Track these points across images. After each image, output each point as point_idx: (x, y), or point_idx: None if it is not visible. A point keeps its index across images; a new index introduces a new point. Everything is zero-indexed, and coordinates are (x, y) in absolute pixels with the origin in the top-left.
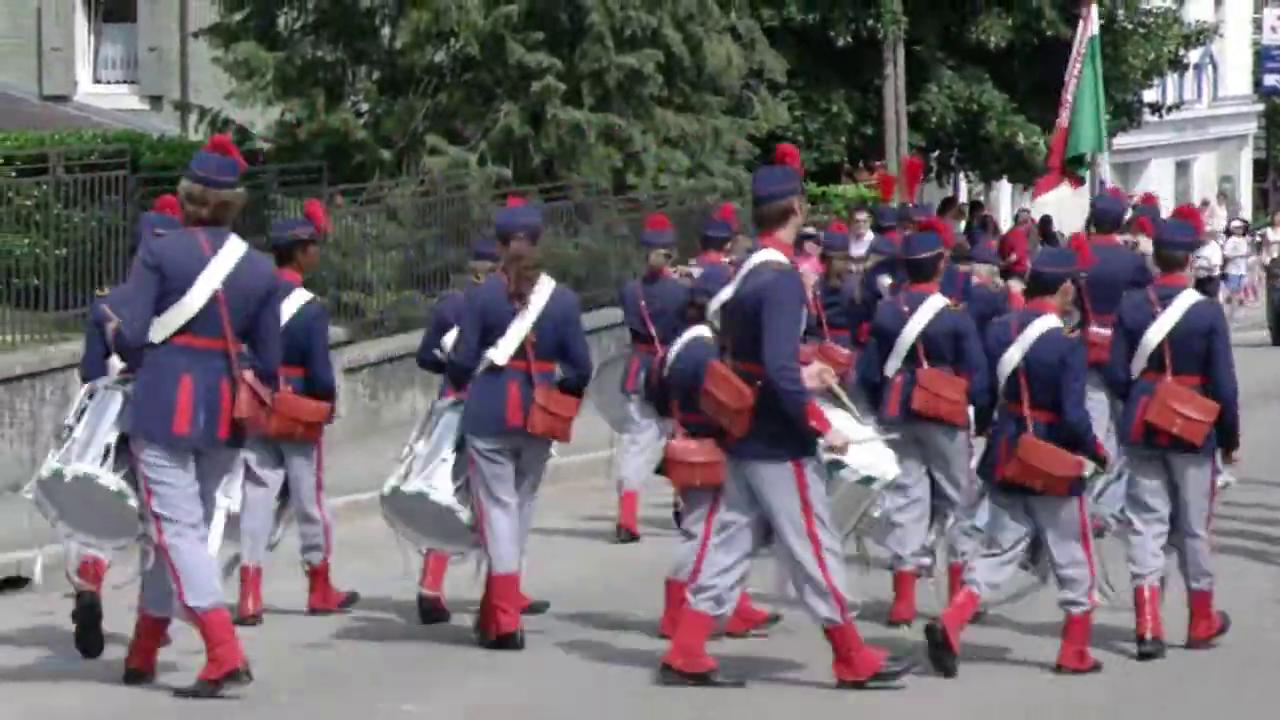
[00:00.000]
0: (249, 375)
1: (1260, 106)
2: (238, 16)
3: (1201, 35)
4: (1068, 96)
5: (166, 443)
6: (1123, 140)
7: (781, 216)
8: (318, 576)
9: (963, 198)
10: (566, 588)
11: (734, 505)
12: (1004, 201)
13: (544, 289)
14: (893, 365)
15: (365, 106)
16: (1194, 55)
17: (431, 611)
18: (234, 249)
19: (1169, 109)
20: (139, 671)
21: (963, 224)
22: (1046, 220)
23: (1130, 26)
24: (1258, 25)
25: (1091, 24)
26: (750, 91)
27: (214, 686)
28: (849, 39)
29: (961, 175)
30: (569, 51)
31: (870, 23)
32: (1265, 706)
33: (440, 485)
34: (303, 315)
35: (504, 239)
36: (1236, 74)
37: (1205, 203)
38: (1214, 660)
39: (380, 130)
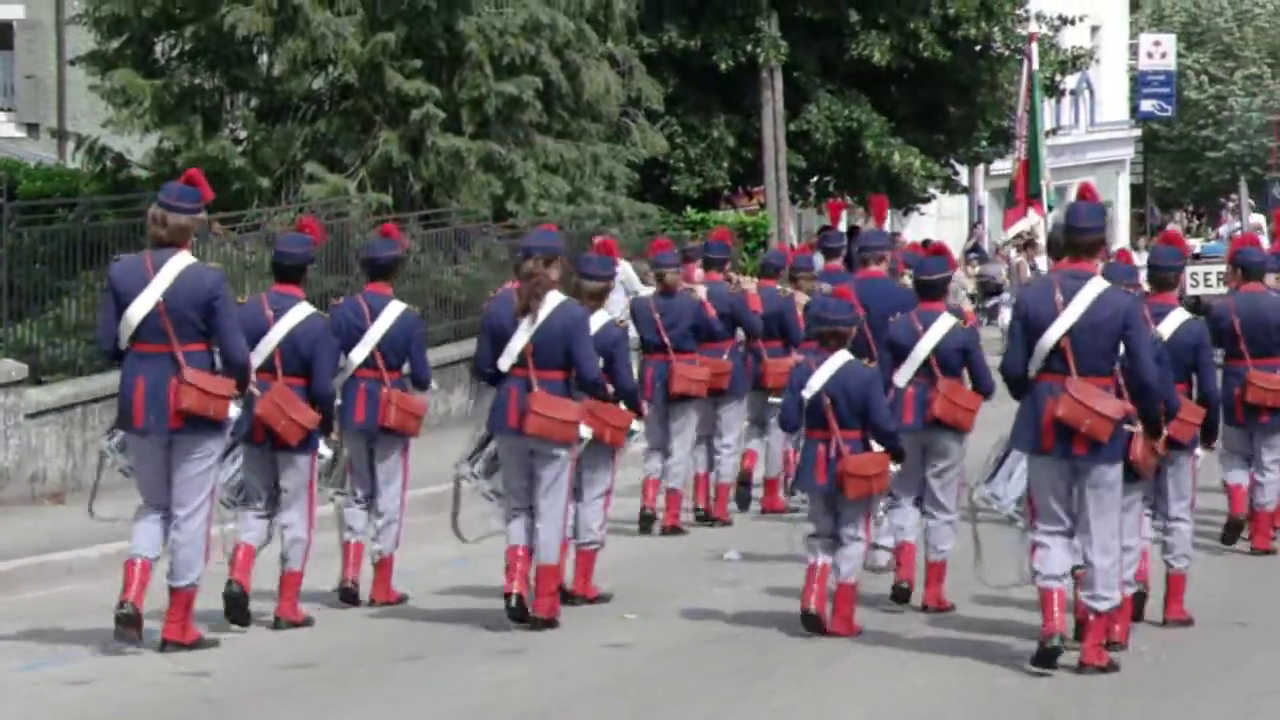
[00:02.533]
0: (193, 373)
1: (1137, 132)
2: (115, 44)
3: (1078, 61)
4: (1023, 131)
5: (131, 434)
6: (1000, 166)
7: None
8: (381, 569)
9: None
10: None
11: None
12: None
13: (549, 304)
14: (905, 376)
15: (243, 134)
16: (1071, 81)
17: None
18: (175, 265)
19: (1047, 134)
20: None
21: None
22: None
23: (1007, 53)
24: (1134, 51)
25: (1033, 60)
26: (629, 119)
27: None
28: (729, 64)
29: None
30: (447, 79)
31: (750, 48)
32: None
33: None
34: (402, 323)
35: (524, 257)
36: (1113, 100)
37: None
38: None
39: (258, 158)
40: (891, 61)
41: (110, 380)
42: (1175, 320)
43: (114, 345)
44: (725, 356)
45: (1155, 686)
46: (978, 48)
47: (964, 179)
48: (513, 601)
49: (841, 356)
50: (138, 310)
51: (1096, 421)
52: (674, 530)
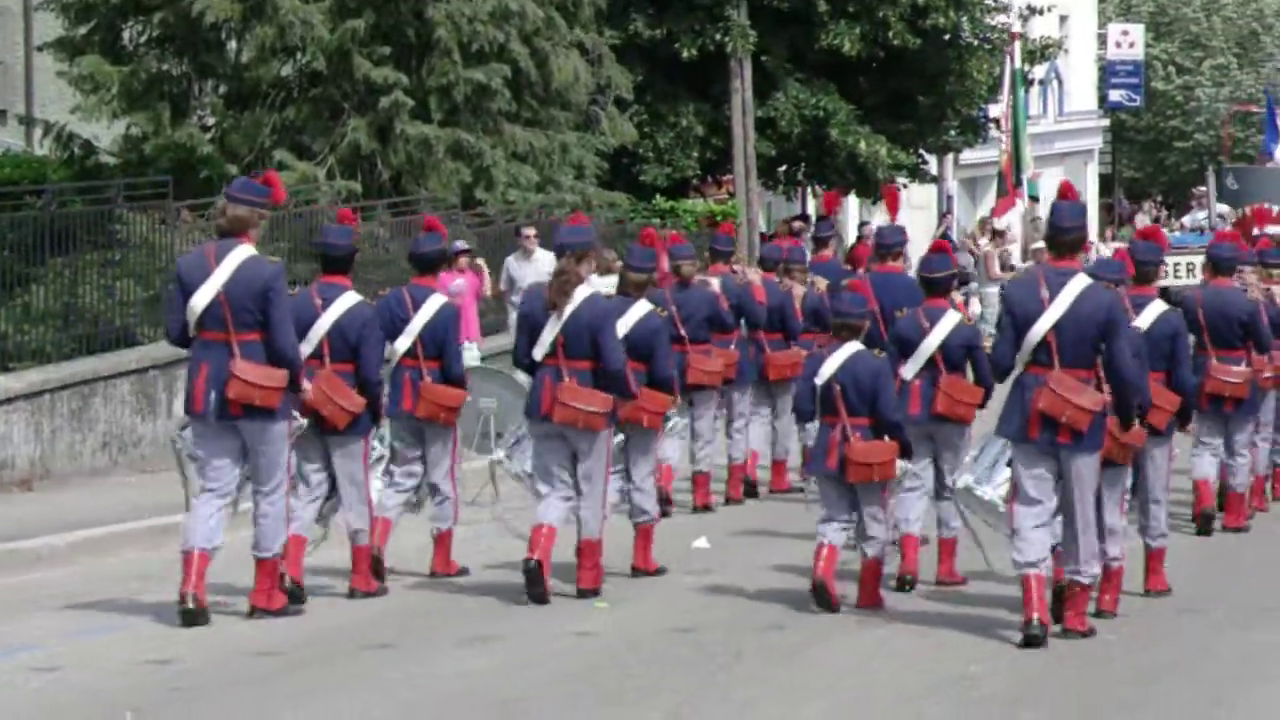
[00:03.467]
0: (240, 364)
1: (1105, 122)
2: (83, 30)
3: (1046, 51)
4: (1006, 125)
5: (194, 418)
6: (969, 156)
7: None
8: (441, 544)
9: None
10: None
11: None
12: (850, 214)
13: (578, 298)
14: (911, 370)
15: (211, 121)
16: (1039, 71)
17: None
18: (236, 256)
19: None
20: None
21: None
22: (796, 239)
23: (975, 42)
24: (1102, 41)
25: (1016, 57)
26: (598, 107)
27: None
28: (691, 53)
29: (809, 190)
30: (416, 66)
31: (719, 37)
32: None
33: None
34: (441, 316)
35: (558, 253)
36: (1082, 90)
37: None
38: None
39: (226, 145)
40: (861, 51)
41: (78, 368)
42: (1154, 312)
43: (181, 334)
44: (732, 347)
45: (1123, 674)
46: (946, 37)
47: (933, 168)
48: (531, 564)
49: (852, 346)
50: (200, 299)
51: (1075, 413)
52: (706, 509)
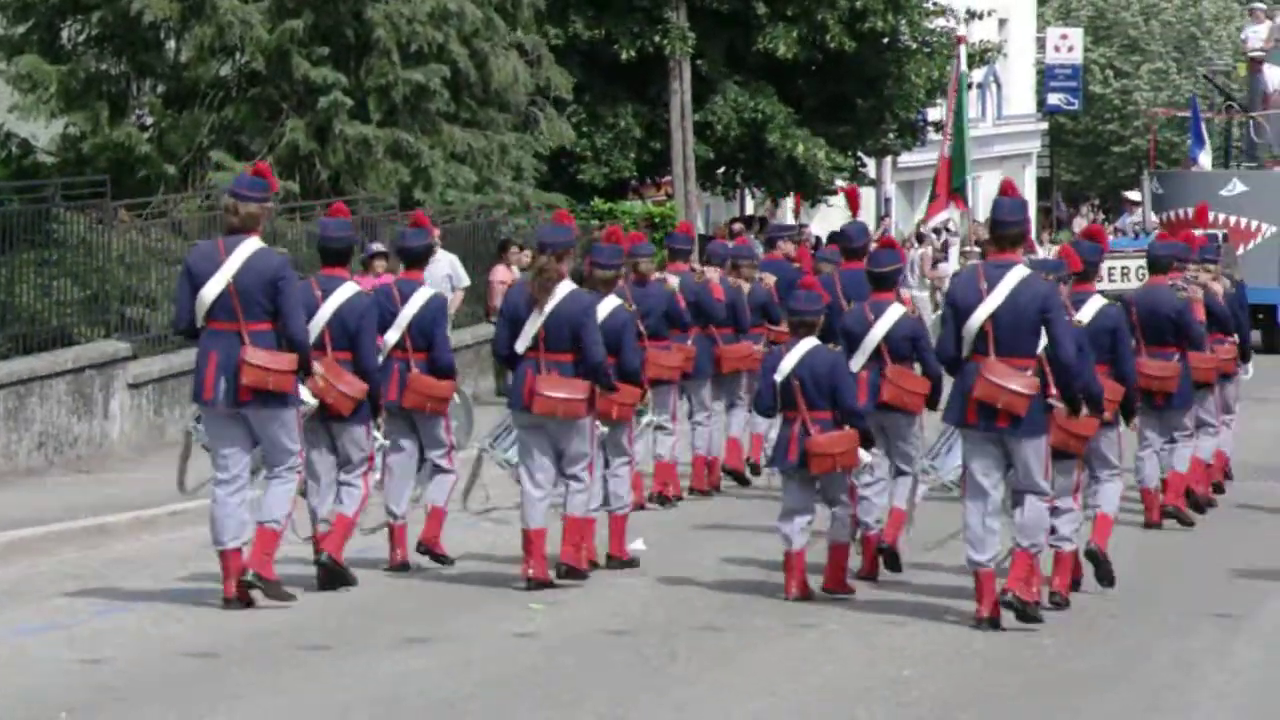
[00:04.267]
0: (250, 351)
1: (1044, 125)
2: (20, 29)
3: (985, 55)
4: (949, 130)
5: (203, 407)
6: (907, 159)
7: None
8: (434, 517)
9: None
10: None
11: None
12: (789, 218)
13: (559, 293)
14: (858, 362)
15: (150, 120)
16: (978, 74)
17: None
18: (246, 249)
19: None
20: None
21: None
22: (744, 238)
23: (914, 45)
24: (1041, 45)
25: (961, 62)
26: (537, 108)
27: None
28: (629, 54)
29: (748, 191)
30: (355, 66)
31: (657, 39)
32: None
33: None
34: (428, 308)
35: (540, 251)
36: (1020, 93)
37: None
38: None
39: (165, 145)
40: (798, 54)
41: (14, 367)
42: (1093, 307)
43: (190, 324)
44: (690, 342)
45: (1058, 679)
46: (885, 40)
47: (871, 171)
48: (529, 584)
49: (809, 342)
50: (210, 290)
51: (1010, 398)
52: (672, 500)
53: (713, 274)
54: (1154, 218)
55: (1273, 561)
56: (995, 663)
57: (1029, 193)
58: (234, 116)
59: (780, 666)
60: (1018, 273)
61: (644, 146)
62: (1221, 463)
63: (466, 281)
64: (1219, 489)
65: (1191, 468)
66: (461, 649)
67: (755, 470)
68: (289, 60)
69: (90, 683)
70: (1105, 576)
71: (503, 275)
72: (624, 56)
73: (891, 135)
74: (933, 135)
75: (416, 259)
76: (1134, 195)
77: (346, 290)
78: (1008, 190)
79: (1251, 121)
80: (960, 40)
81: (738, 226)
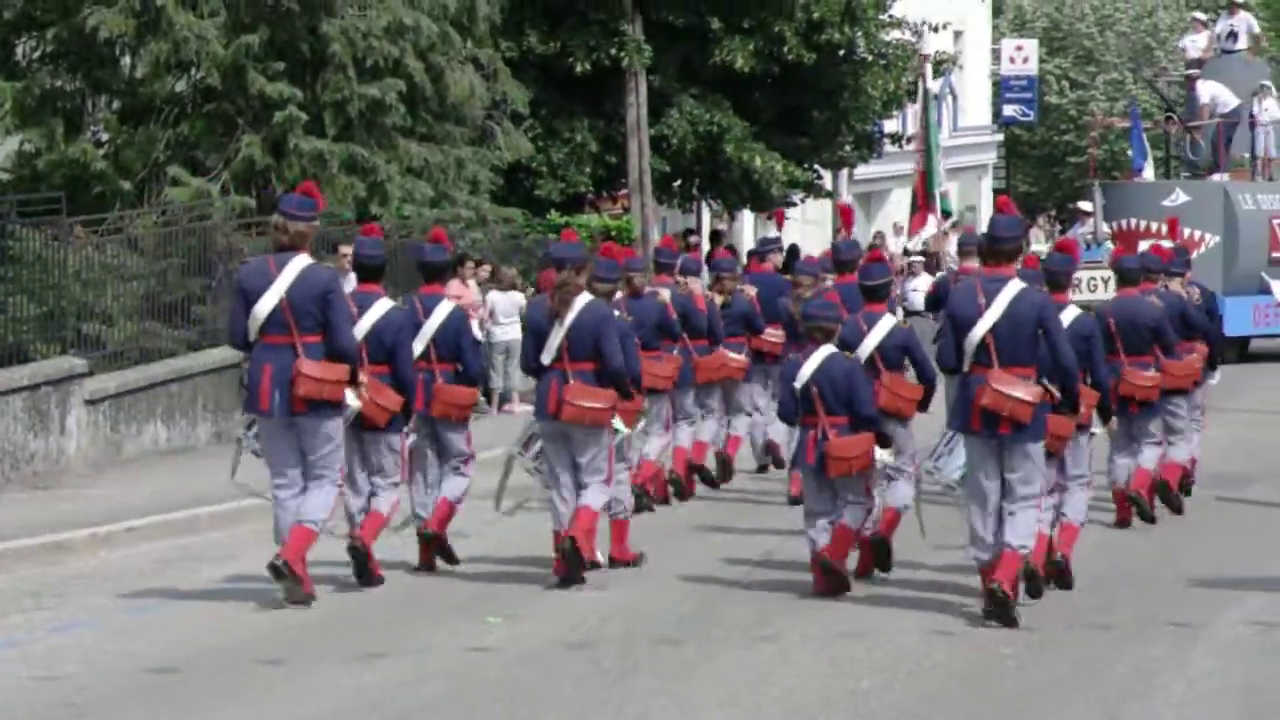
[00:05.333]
0: (305, 363)
1: (999, 137)
2: None
3: (941, 66)
4: (920, 145)
5: (259, 417)
6: (864, 170)
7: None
8: (442, 509)
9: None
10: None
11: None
12: (747, 230)
13: (579, 304)
14: None
15: (105, 136)
16: (934, 86)
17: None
18: (296, 265)
19: (909, 139)
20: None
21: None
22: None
23: (870, 57)
24: (996, 56)
25: (928, 78)
26: (493, 122)
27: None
28: (584, 67)
29: (705, 204)
30: (311, 81)
31: (613, 52)
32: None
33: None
34: (453, 320)
35: (557, 267)
36: (976, 105)
37: (945, 232)
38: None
39: (120, 160)
40: (755, 66)
41: None
42: (1068, 316)
43: (244, 338)
44: (675, 352)
45: (1017, 688)
46: (841, 52)
47: (827, 184)
48: (562, 583)
49: (826, 349)
50: (264, 305)
51: (1016, 406)
52: (663, 501)
53: (696, 285)
54: (1105, 228)
55: (1230, 570)
56: (955, 674)
57: (984, 204)
58: (189, 132)
59: (740, 678)
60: (1014, 286)
61: (600, 160)
62: (1190, 466)
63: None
64: (1187, 492)
65: (1167, 470)
66: (419, 663)
67: (707, 477)
68: (244, 75)
69: (48, 700)
70: (1067, 585)
71: (457, 290)
72: (579, 69)
73: (848, 147)
74: (889, 147)
75: (436, 274)
76: (1086, 206)
77: (383, 306)
78: (1003, 208)
79: (1188, 132)
80: (925, 58)
81: (694, 239)
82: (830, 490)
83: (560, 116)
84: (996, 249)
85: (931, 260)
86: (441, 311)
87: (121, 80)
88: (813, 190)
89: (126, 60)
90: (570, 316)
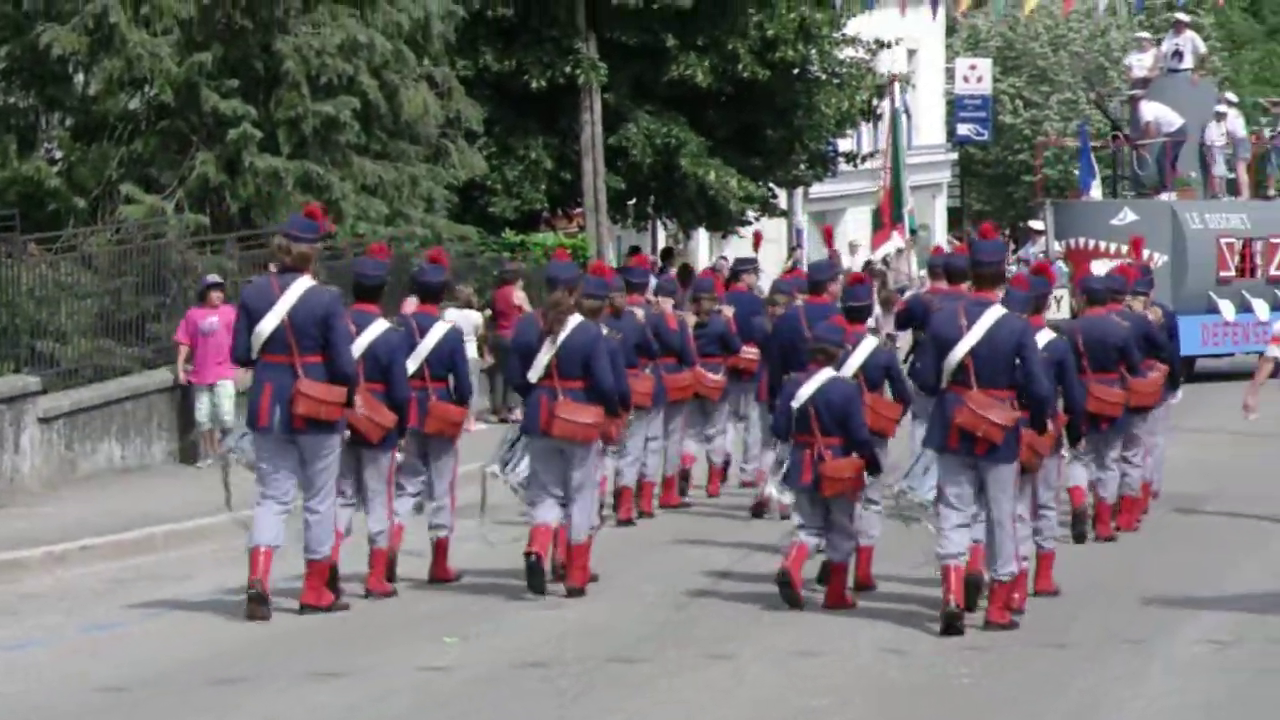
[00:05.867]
0: (305, 383)
1: (954, 155)
2: None
3: (897, 84)
4: (887, 163)
5: (258, 433)
6: (819, 189)
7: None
8: (440, 551)
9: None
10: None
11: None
12: (702, 248)
13: (570, 324)
14: None
15: (59, 154)
16: (888, 105)
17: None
18: (299, 287)
19: (863, 158)
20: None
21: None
22: (707, 271)
23: (824, 76)
24: (950, 75)
25: (896, 97)
26: (448, 140)
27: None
28: (540, 84)
29: (660, 222)
30: (265, 99)
31: (568, 70)
32: None
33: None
34: (447, 339)
35: (551, 286)
36: (930, 124)
37: (899, 250)
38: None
39: (74, 178)
40: (710, 84)
41: None
42: (1043, 339)
43: (246, 356)
44: (647, 371)
45: (971, 707)
46: (795, 70)
47: (782, 202)
48: (531, 558)
49: (827, 372)
50: (267, 325)
51: (990, 428)
52: (627, 523)
53: (666, 305)
54: (1057, 247)
55: (1187, 588)
56: (910, 691)
57: (939, 223)
58: (143, 149)
59: (696, 698)
60: (995, 311)
61: (555, 178)
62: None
63: None
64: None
65: (1122, 503)
66: (373, 683)
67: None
68: (198, 93)
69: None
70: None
71: (411, 308)
72: (534, 86)
73: (802, 166)
74: (844, 166)
75: (433, 294)
76: (1037, 224)
77: (379, 326)
78: (986, 233)
79: (1134, 151)
80: (894, 79)
81: (652, 258)
82: (823, 508)
83: (515, 133)
84: (980, 273)
85: (877, 276)
86: (437, 332)
87: (75, 97)
88: (768, 208)
89: (80, 78)
90: (562, 335)
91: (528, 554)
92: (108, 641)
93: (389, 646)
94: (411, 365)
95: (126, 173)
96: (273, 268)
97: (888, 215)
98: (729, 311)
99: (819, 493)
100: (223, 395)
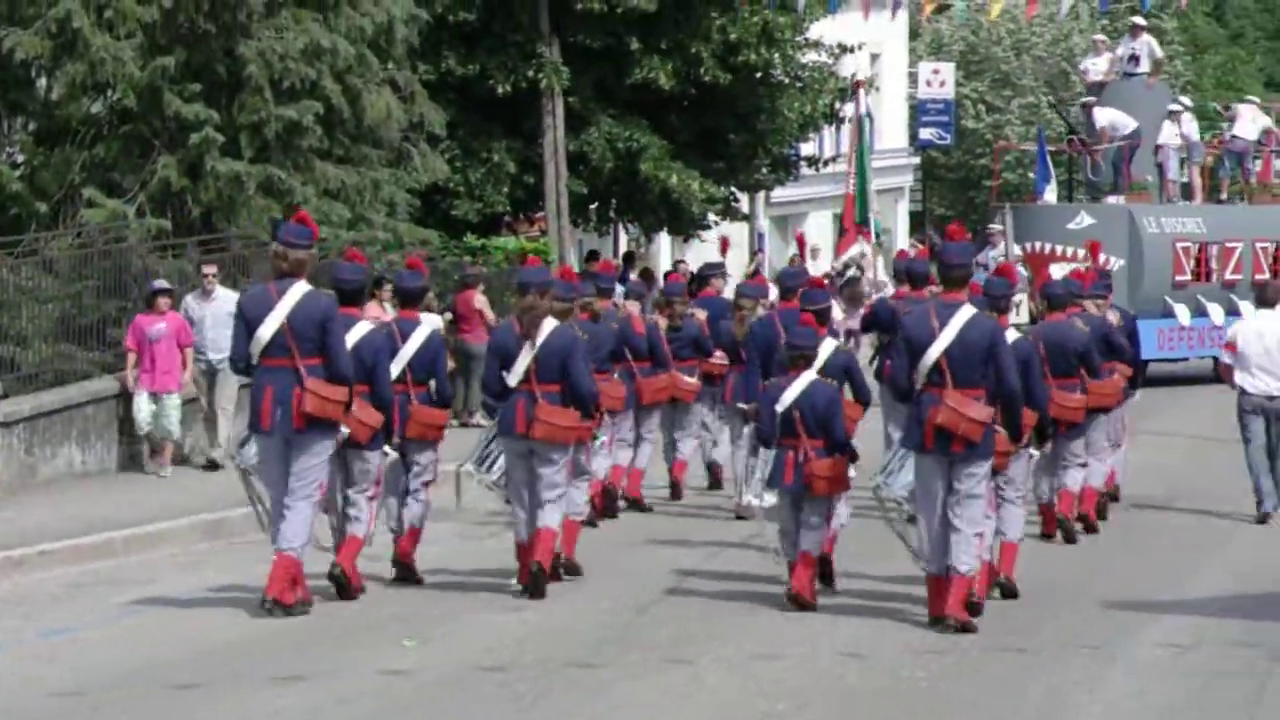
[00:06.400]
0: (312, 381)
1: (916, 160)
2: None
3: (862, 89)
4: (851, 169)
5: (260, 435)
6: (781, 193)
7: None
8: (411, 535)
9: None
10: None
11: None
12: (664, 252)
13: (547, 328)
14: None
15: (21, 158)
16: (850, 109)
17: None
18: (297, 292)
19: (826, 162)
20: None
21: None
22: (676, 275)
23: (786, 80)
24: (913, 79)
25: (863, 103)
26: (410, 144)
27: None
28: (505, 88)
29: (622, 226)
30: (227, 103)
31: (531, 74)
32: None
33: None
34: (430, 343)
35: (523, 291)
36: (893, 128)
37: (863, 253)
38: None
39: (36, 182)
40: (674, 87)
41: None
42: (1008, 339)
43: (245, 362)
44: (615, 376)
45: (930, 713)
46: (758, 74)
47: (745, 206)
48: (535, 568)
49: (808, 376)
50: (266, 330)
51: (969, 426)
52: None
53: (633, 308)
54: (1017, 250)
55: (1146, 592)
56: (868, 695)
57: (901, 227)
58: (106, 154)
59: (655, 702)
60: (965, 311)
61: (517, 181)
62: (1109, 483)
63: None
64: (1102, 514)
65: (1084, 494)
66: (332, 687)
67: (640, 508)
68: (160, 97)
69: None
70: (1013, 595)
71: (375, 312)
72: (500, 90)
73: (765, 170)
74: (806, 171)
75: (412, 299)
76: (996, 227)
77: (362, 328)
78: (954, 235)
79: (1087, 155)
80: (860, 84)
81: (615, 262)
82: (799, 508)
83: (478, 137)
84: (948, 275)
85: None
86: (419, 336)
87: (37, 102)
88: (730, 211)
89: (43, 82)
90: (540, 339)
91: (521, 582)
92: (66, 646)
93: (350, 649)
94: (394, 369)
95: (89, 177)
96: (206, 270)
97: (850, 220)
98: (701, 315)
99: (810, 492)
100: (169, 406)
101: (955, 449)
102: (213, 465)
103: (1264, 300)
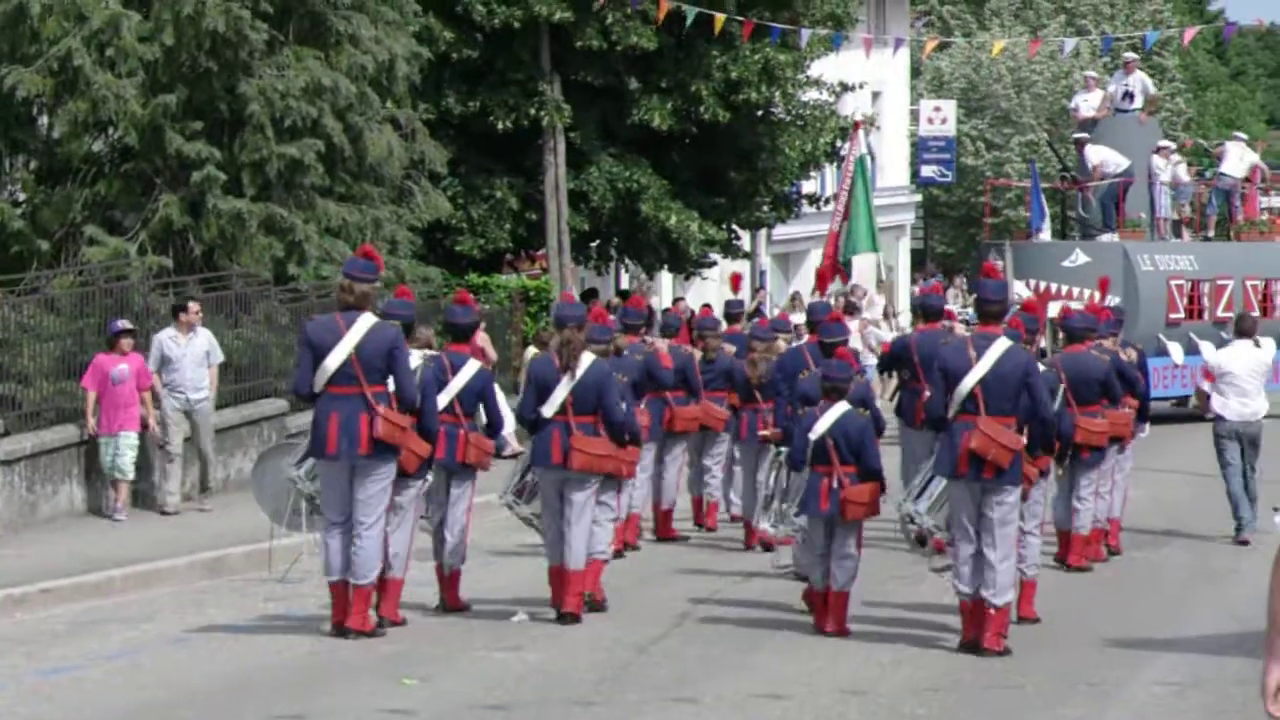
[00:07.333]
0: (382, 408)
1: (918, 197)
2: None
3: (863, 128)
4: (840, 207)
5: (324, 460)
6: (782, 231)
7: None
8: (453, 580)
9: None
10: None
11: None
12: (664, 290)
13: (585, 361)
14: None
15: (22, 196)
16: (861, 147)
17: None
18: (363, 324)
19: (827, 200)
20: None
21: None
22: (708, 309)
23: (787, 119)
24: (915, 117)
25: (859, 144)
26: (412, 182)
27: (334, 630)
28: (506, 125)
29: (622, 265)
30: (229, 141)
31: (533, 111)
32: None
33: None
34: (478, 378)
35: (560, 326)
36: (894, 165)
37: (864, 292)
38: None
39: (38, 220)
40: (673, 126)
41: None
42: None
43: (310, 389)
44: (643, 405)
45: None
46: (759, 112)
47: (745, 244)
48: (563, 618)
49: (842, 406)
50: (334, 359)
51: (1000, 452)
52: (618, 554)
53: (661, 344)
54: (1020, 286)
55: (1144, 629)
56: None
57: (902, 265)
58: (107, 192)
59: None
60: (1001, 344)
61: (519, 218)
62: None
63: (221, 358)
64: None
65: (1111, 525)
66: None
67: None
68: (162, 135)
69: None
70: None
71: None
72: (500, 127)
73: (765, 208)
74: (807, 208)
75: (463, 333)
76: (998, 264)
77: (472, 366)
78: (990, 273)
79: (1080, 193)
80: (858, 125)
81: (614, 301)
82: (830, 535)
83: (480, 174)
84: (985, 310)
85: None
86: (468, 371)
87: (39, 139)
88: (730, 250)
89: (44, 120)
90: (579, 372)
91: (557, 609)
92: (66, 684)
93: (350, 688)
94: (442, 400)
95: (90, 215)
96: (192, 307)
97: (830, 258)
98: (731, 349)
99: (841, 518)
100: (124, 445)
101: (986, 475)
102: (164, 513)
103: (1242, 331)
